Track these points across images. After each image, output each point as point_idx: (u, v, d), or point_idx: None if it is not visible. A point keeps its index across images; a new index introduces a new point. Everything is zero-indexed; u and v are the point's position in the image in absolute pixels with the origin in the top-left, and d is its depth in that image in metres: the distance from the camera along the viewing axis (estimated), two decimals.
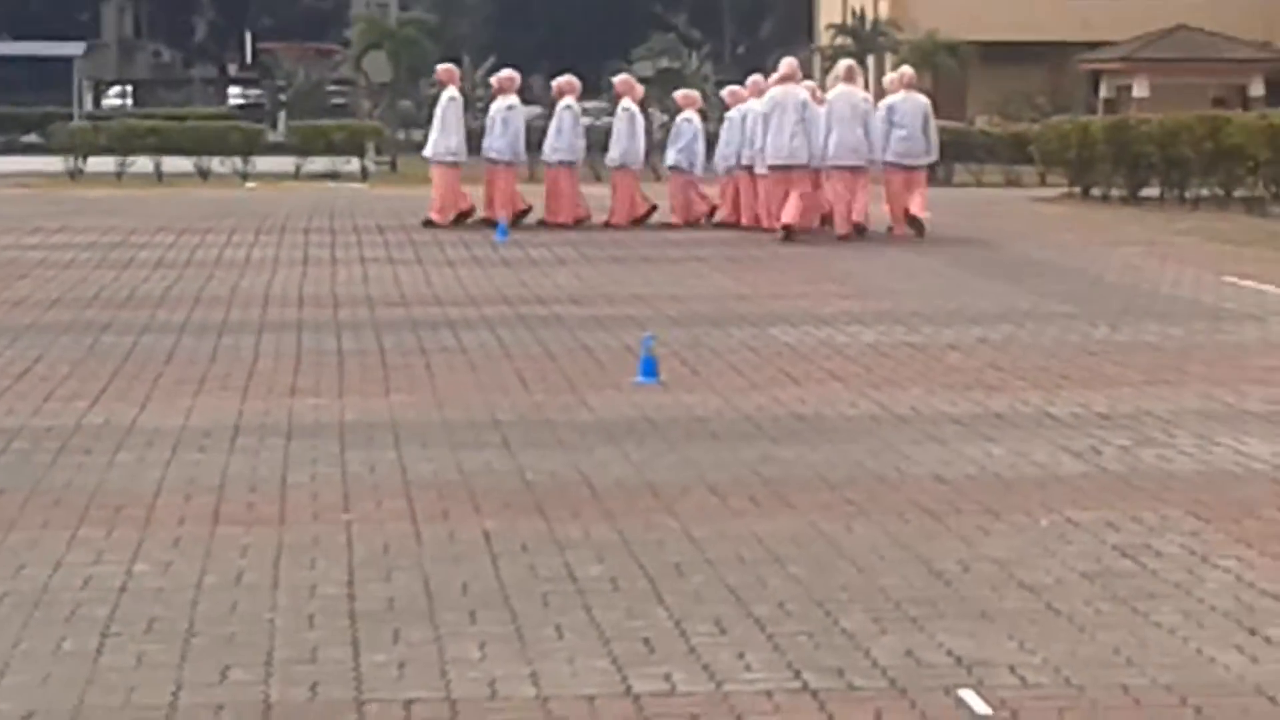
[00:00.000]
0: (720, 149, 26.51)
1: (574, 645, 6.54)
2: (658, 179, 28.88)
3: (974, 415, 11.09)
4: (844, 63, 26.49)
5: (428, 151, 26.72)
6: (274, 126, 50.89)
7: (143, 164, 40.08)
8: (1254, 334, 14.97)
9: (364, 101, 57.20)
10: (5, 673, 6.26)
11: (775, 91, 24.48)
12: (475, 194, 26.23)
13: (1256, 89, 50.31)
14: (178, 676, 6.21)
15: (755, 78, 27.14)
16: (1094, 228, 26.60)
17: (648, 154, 27.61)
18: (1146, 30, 52.84)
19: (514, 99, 26.48)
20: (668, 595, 7.16)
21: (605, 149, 27.63)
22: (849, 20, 58.95)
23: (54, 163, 40.90)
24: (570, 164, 26.44)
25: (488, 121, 26.74)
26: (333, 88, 61.95)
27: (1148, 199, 32.18)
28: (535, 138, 27.70)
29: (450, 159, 25.93)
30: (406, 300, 17.13)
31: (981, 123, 47.68)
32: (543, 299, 17.14)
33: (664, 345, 13.26)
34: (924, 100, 25.83)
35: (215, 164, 40.44)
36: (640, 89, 27.46)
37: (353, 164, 41.67)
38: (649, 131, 28.18)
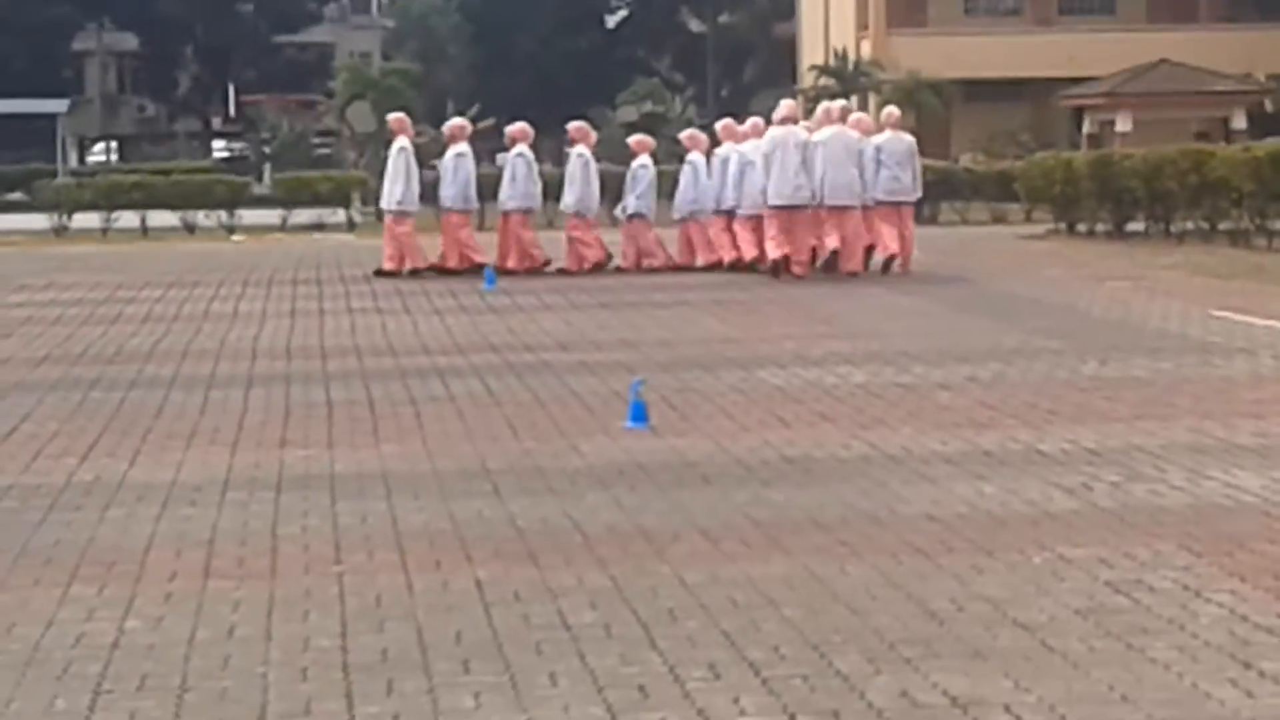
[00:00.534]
0: (682, 193, 26.50)
1: (568, 693, 6.52)
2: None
3: (965, 454, 11.08)
4: (838, 103, 26.84)
5: (383, 203, 26.65)
6: (259, 179, 50.99)
7: (128, 219, 40.15)
8: (1243, 367, 14.99)
9: (349, 152, 57.29)
10: None
11: (776, 132, 24.74)
12: (433, 245, 26.22)
13: (1239, 121, 50.48)
14: None
15: (727, 121, 27.42)
16: (1080, 263, 26.65)
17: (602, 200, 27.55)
18: (1129, 65, 53.04)
19: (464, 146, 26.57)
20: (661, 641, 7.14)
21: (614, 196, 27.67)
22: (831, 61, 59.17)
23: (39, 220, 40.95)
24: (525, 211, 26.49)
25: (440, 170, 26.74)
26: (317, 139, 62.11)
27: (1133, 234, 32.27)
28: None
29: (397, 209, 25.90)
30: (395, 350, 17.13)
31: (966, 160, 47.82)
32: (531, 346, 17.14)
33: (653, 390, 13.25)
34: (910, 139, 26.40)
35: (201, 217, 40.52)
36: (594, 136, 27.44)
37: (339, 215, 41.75)
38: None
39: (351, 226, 41.01)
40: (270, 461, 11.21)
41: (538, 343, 17.40)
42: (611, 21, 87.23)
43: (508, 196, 26.42)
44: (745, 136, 26.28)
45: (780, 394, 13.75)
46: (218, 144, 71.46)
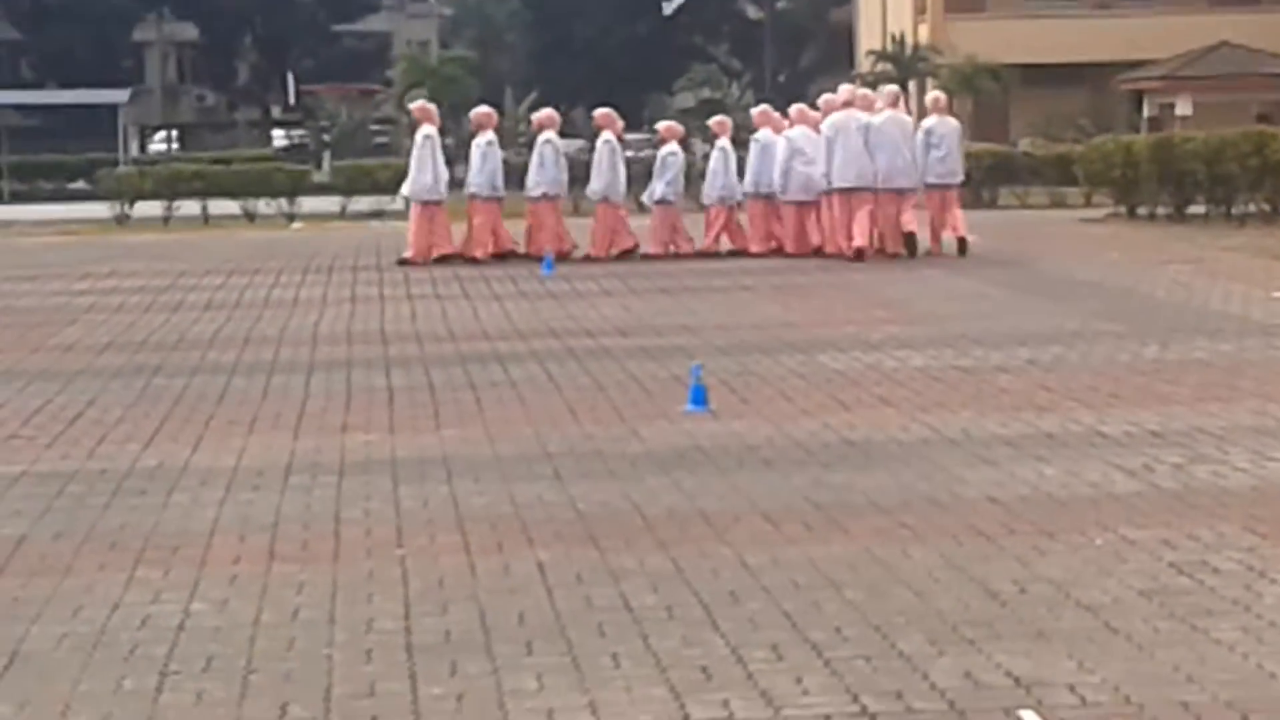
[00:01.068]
0: (722, 178, 26.45)
1: (631, 674, 6.54)
2: (743, 208, 28.08)
3: (1025, 436, 11.06)
4: (891, 88, 26.93)
5: (405, 190, 26.62)
6: (318, 167, 51.13)
7: (189, 207, 40.31)
8: None
9: (406, 140, 57.43)
10: (66, 713, 6.29)
11: (838, 117, 24.93)
12: (459, 231, 26.23)
13: None
14: (237, 714, 6.24)
15: (764, 107, 27.74)
16: (1140, 246, 26.51)
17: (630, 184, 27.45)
18: (1189, 48, 52.70)
19: (491, 135, 26.56)
20: (723, 622, 7.15)
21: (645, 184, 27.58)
22: (889, 46, 58.96)
23: (101, 209, 41.15)
24: (553, 197, 26.47)
25: (472, 158, 26.73)
26: (375, 127, 62.26)
27: (1194, 216, 32.06)
28: (580, 172, 27.75)
29: (425, 197, 25.93)
30: (455, 335, 17.17)
31: (1024, 145, 47.56)
32: (590, 331, 17.16)
33: (713, 374, 13.26)
34: (956, 123, 26.98)
35: (261, 205, 40.64)
36: (619, 123, 27.33)
37: (397, 202, 41.80)
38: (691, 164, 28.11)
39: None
40: (332, 446, 11.26)
41: (597, 328, 17.42)
42: (669, 8, 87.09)
43: (535, 183, 26.42)
44: (781, 123, 26.45)
45: (840, 377, 13.74)
46: (277, 133, 71.69)
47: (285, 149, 62.11)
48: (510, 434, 11.57)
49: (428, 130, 26.23)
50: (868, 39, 63.65)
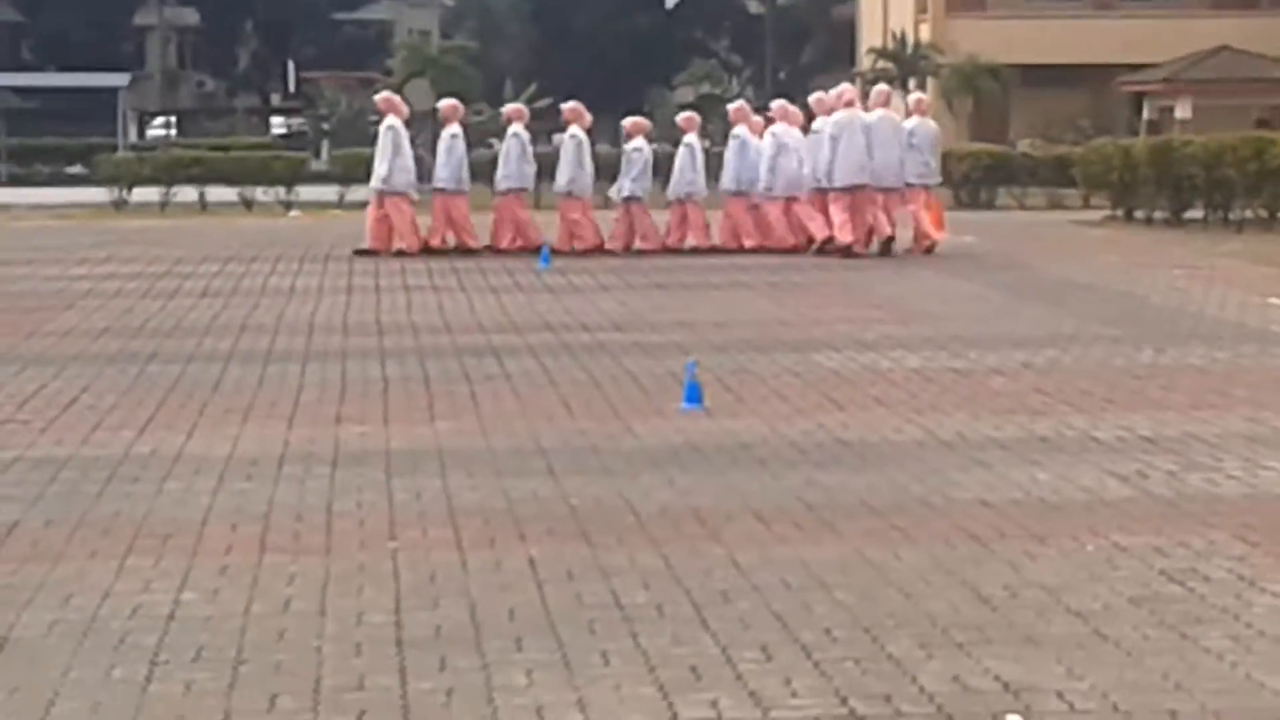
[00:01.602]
0: (689, 174, 26.43)
1: (620, 672, 6.55)
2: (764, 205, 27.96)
3: (1019, 440, 11.07)
4: (881, 87, 27.24)
5: (373, 183, 26.55)
6: (317, 155, 51.11)
7: (187, 194, 40.28)
8: None
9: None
10: (56, 701, 6.30)
11: (841, 115, 25.33)
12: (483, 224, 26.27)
13: None
14: (226, 705, 6.24)
15: (740, 104, 28.10)
16: (1137, 250, 26.53)
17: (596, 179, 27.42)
18: (1189, 51, 52.73)
19: (457, 127, 26.56)
20: (714, 622, 7.16)
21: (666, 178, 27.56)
22: (890, 44, 58.96)
23: (99, 193, 41.12)
24: (519, 190, 26.45)
25: (438, 150, 26.73)
26: (375, 116, 62.15)
27: (1191, 221, 32.08)
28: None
29: (382, 186, 25.91)
30: (451, 328, 17.17)
31: (1023, 146, 47.57)
32: (586, 326, 17.16)
33: (708, 371, 13.27)
34: (935, 126, 27.62)
35: (259, 193, 40.60)
36: (588, 117, 27.31)
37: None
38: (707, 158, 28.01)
39: (411, 204, 41.03)
40: (326, 437, 11.26)
41: (593, 323, 17.42)
42: (670, 2, 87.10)
43: (502, 176, 26.42)
44: (758, 123, 26.77)
45: (834, 377, 13.75)
46: (276, 120, 71.59)
47: (284, 136, 62.03)
48: (504, 428, 11.57)
49: (391, 121, 26.23)
50: (869, 36, 63.67)
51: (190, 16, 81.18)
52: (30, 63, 76.25)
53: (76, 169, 50.43)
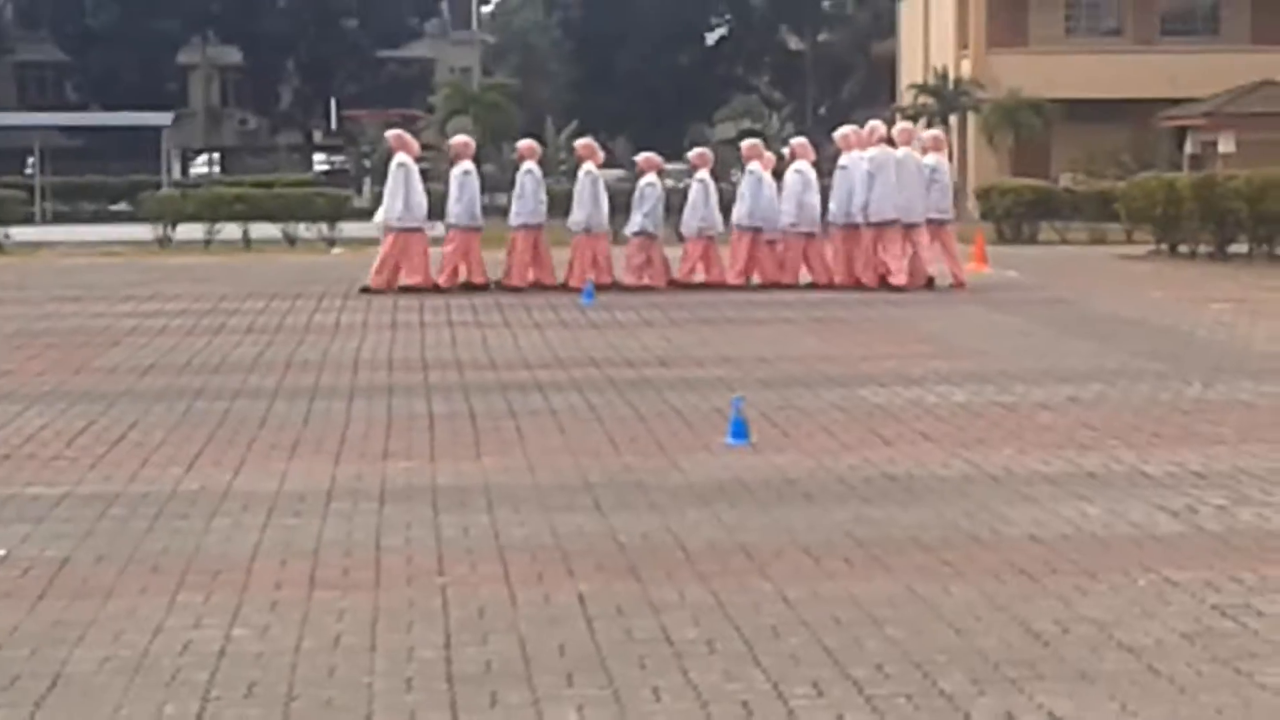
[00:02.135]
0: (701, 209, 26.44)
1: (671, 708, 6.54)
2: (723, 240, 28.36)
3: (1067, 475, 11.03)
4: (905, 124, 27.51)
5: (378, 217, 26.60)
6: (359, 192, 51.31)
7: (230, 231, 40.45)
8: None
9: (446, 167, 57.56)
10: None
11: (876, 153, 25.64)
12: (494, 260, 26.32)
13: None
14: None
15: (755, 142, 28.14)
16: (1182, 285, 26.45)
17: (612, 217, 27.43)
18: (1231, 86, 52.62)
19: (468, 164, 26.63)
20: (764, 657, 7.14)
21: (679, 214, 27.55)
22: (931, 79, 58.98)
23: (143, 230, 41.33)
24: (533, 227, 26.42)
25: (450, 187, 26.79)
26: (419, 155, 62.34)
27: (1236, 255, 31.99)
28: (622, 201, 27.77)
29: (397, 224, 25.98)
30: (495, 364, 17.20)
31: (1065, 180, 47.53)
32: (631, 361, 17.17)
33: (753, 407, 13.25)
34: (948, 163, 27.79)
35: (302, 230, 40.75)
36: (600, 154, 27.38)
37: (437, 229, 41.90)
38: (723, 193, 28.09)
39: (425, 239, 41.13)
40: (373, 473, 11.28)
41: (638, 358, 17.43)
42: (711, 39, 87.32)
43: (515, 213, 26.45)
44: (771, 159, 27.09)
45: (881, 412, 13.72)
46: (318, 157, 71.99)
47: (326, 173, 62.33)
48: (551, 463, 11.57)
49: (401, 158, 26.29)
50: (909, 72, 63.71)
51: (233, 55, 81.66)
52: (75, 102, 76.79)
53: (121, 206, 50.70)
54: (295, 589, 8.33)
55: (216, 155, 78.94)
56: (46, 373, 16.58)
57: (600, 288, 25.44)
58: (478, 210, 26.40)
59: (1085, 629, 7.54)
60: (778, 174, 26.99)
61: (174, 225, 41.06)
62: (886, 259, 25.40)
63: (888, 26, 70.93)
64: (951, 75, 58.21)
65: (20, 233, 41.36)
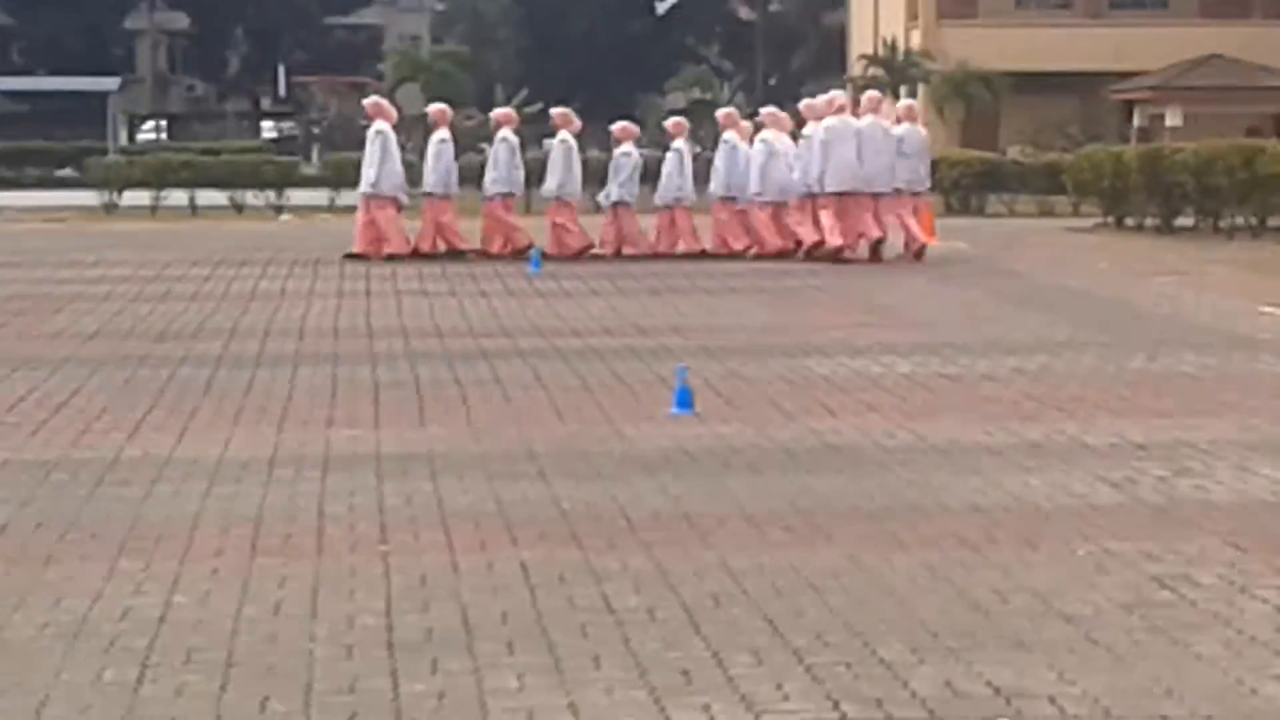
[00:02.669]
0: (676, 179, 26.43)
1: (612, 676, 6.54)
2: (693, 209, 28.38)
3: (1010, 446, 11.07)
4: (872, 93, 27.30)
5: (361, 188, 26.53)
6: (308, 159, 51.08)
7: (177, 198, 40.26)
8: None
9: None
10: (46, 703, 6.28)
11: (832, 122, 25.51)
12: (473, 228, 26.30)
13: None
14: (217, 707, 6.23)
15: (730, 110, 28.18)
16: (1128, 257, 26.57)
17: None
18: (1180, 59, 52.79)
19: (445, 132, 26.61)
20: (705, 626, 7.15)
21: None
22: (880, 51, 59.02)
23: (89, 197, 41.10)
24: (507, 195, 26.47)
25: (427, 155, 26.78)
26: (365, 121, 62.15)
27: (1182, 229, 32.14)
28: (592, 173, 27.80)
29: (370, 191, 25.94)
30: (441, 332, 17.17)
31: (1014, 153, 47.66)
32: (577, 330, 17.16)
33: (698, 376, 13.27)
34: (924, 132, 27.93)
35: (249, 197, 40.60)
36: (577, 122, 27.37)
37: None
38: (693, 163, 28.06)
39: (399, 208, 41.04)
40: (317, 440, 11.25)
41: (584, 327, 17.42)
42: (661, 8, 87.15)
43: (491, 181, 26.46)
44: (746, 128, 26.93)
45: (826, 383, 13.75)
46: (267, 124, 71.51)
47: (274, 141, 62.00)
48: (495, 432, 11.56)
49: (380, 126, 26.26)
50: (860, 43, 63.72)
51: (180, 20, 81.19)
52: (20, 66, 76.17)
53: (67, 172, 50.33)
54: (237, 556, 8.31)
55: (164, 122, 78.38)
56: None
57: (575, 256, 25.47)
58: (453, 179, 26.43)
59: (1025, 599, 7.57)
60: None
61: (120, 192, 40.87)
62: (823, 222, 25.24)
63: None
64: (901, 46, 58.24)
65: None
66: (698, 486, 9.84)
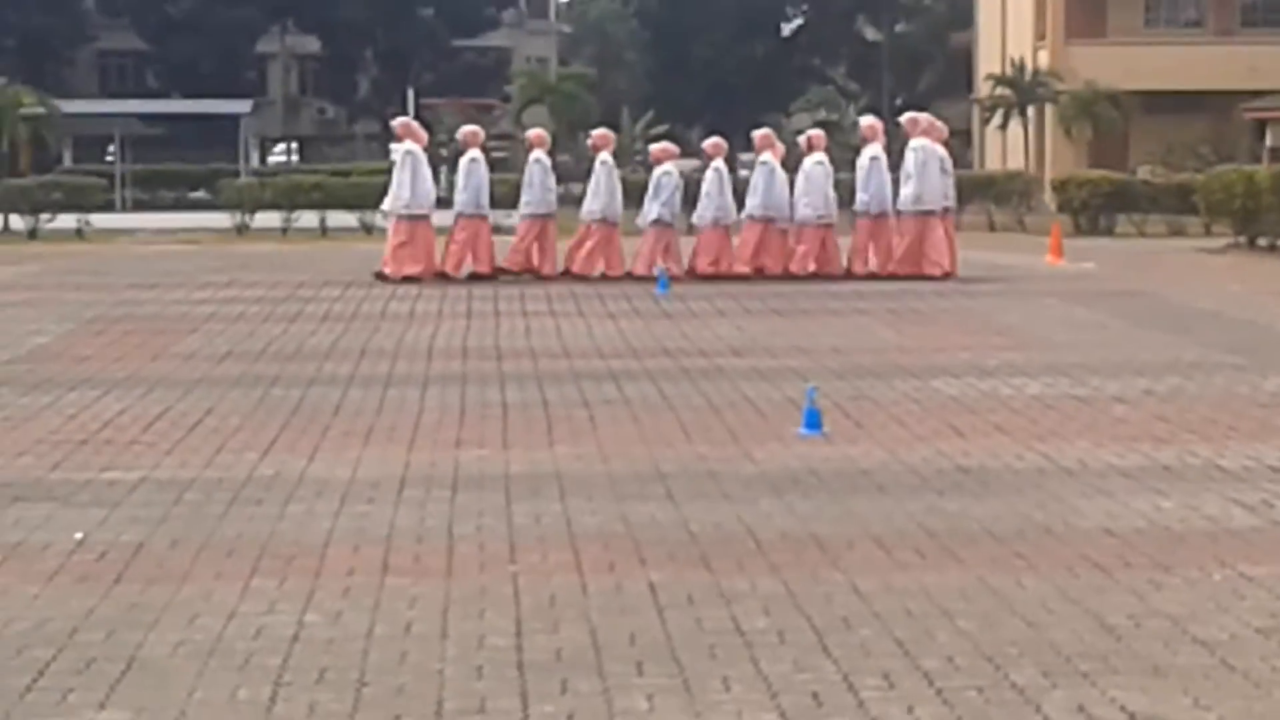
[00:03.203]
0: (716, 199, 26.40)
1: (741, 698, 6.54)
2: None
3: (1142, 468, 10.96)
4: (925, 116, 27.17)
5: (385, 205, 26.61)
6: (436, 180, 51.40)
7: (308, 219, 40.66)
8: None
9: (523, 156, 57.65)
10: None
11: (924, 143, 26.06)
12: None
13: None
14: None
15: (767, 131, 27.80)
16: (1261, 278, 26.24)
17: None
18: None
19: (476, 152, 26.65)
20: (835, 648, 7.13)
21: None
22: (1008, 71, 58.66)
23: (221, 218, 41.61)
24: (541, 216, 26.36)
25: (458, 175, 26.87)
26: (493, 143, 62.49)
27: None
28: (693, 191, 27.69)
29: (404, 211, 25.97)
30: (569, 352, 17.22)
31: (1144, 173, 47.23)
32: (704, 351, 17.17)
33: (826, 397, 13.23)
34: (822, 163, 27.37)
35: (378, 218, 40.83)
36: (614, 140, 27.37)
37: (513, 217, 41.98)
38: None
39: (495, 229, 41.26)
40: (446, 460, 11.32)
41: (711, 348, 17.42)
42: (787, 29, 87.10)
43: (524, 203, 26.47)
44: (781, 149, 27.10)
45: (955, 404, 13.67)
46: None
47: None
48: (623, 453, 11.58)
49: (409, 146, 26.36)
50: (987, 63, 63.32)
51: (311, 44, 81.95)
52: (155, 90, 77.21)
53: (199, 194, 50.99)
54: (368, 575, 8.37)
55: (294, 144, 79.23)
56: (124, 359, 16.71)
57: (611, 278, 25.47)
58: (484, 199, 26.44)
59: (1159, 623, 7.49)
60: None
61: (252, 213, 41.34)
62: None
63: (965, 17, 70.54)
64: (1029, 66, 57.84)
65: (100, 220, 41.73)
66: (826, 508, 9.81)
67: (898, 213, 26.04)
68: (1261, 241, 33.35)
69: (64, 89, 65.02)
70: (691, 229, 27.14)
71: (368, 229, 40.61)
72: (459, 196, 26.47)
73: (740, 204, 26.57)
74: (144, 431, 12.58)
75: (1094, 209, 41.07)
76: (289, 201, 41.16)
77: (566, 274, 25.97)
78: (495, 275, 26.00)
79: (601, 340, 18.29)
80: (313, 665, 6.96)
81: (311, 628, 7.49)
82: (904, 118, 27.78)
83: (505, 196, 42.60)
